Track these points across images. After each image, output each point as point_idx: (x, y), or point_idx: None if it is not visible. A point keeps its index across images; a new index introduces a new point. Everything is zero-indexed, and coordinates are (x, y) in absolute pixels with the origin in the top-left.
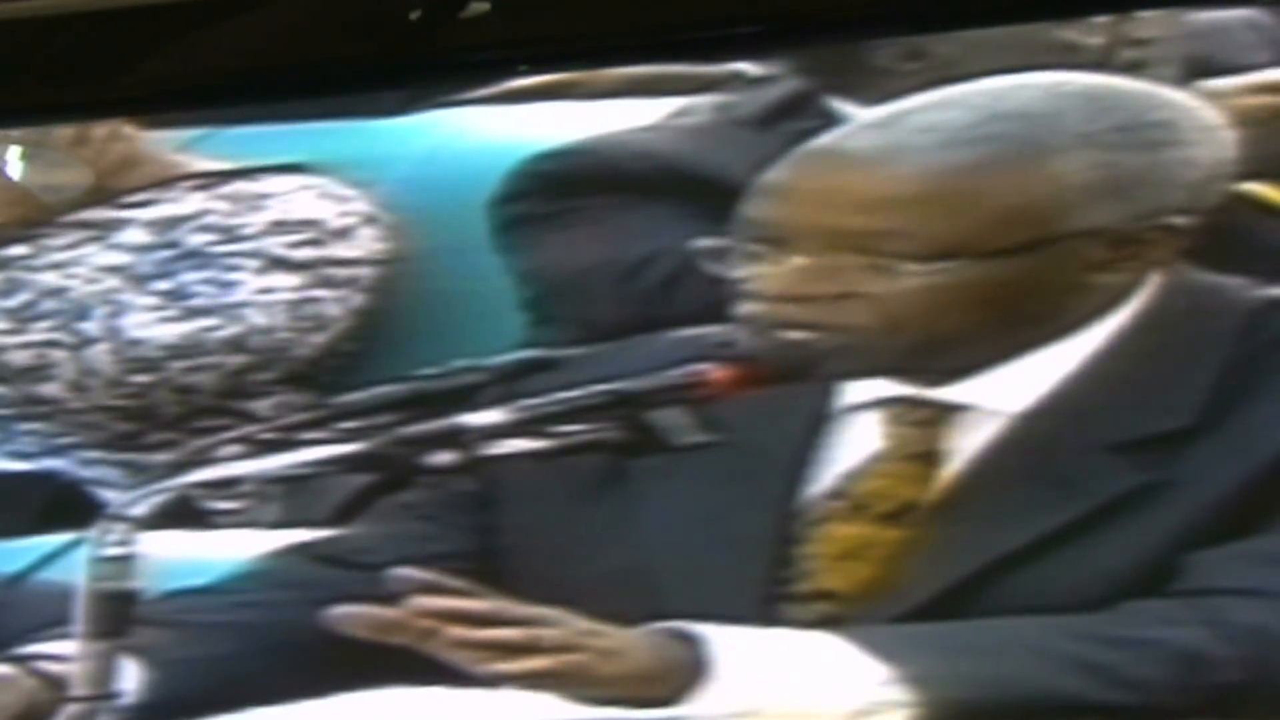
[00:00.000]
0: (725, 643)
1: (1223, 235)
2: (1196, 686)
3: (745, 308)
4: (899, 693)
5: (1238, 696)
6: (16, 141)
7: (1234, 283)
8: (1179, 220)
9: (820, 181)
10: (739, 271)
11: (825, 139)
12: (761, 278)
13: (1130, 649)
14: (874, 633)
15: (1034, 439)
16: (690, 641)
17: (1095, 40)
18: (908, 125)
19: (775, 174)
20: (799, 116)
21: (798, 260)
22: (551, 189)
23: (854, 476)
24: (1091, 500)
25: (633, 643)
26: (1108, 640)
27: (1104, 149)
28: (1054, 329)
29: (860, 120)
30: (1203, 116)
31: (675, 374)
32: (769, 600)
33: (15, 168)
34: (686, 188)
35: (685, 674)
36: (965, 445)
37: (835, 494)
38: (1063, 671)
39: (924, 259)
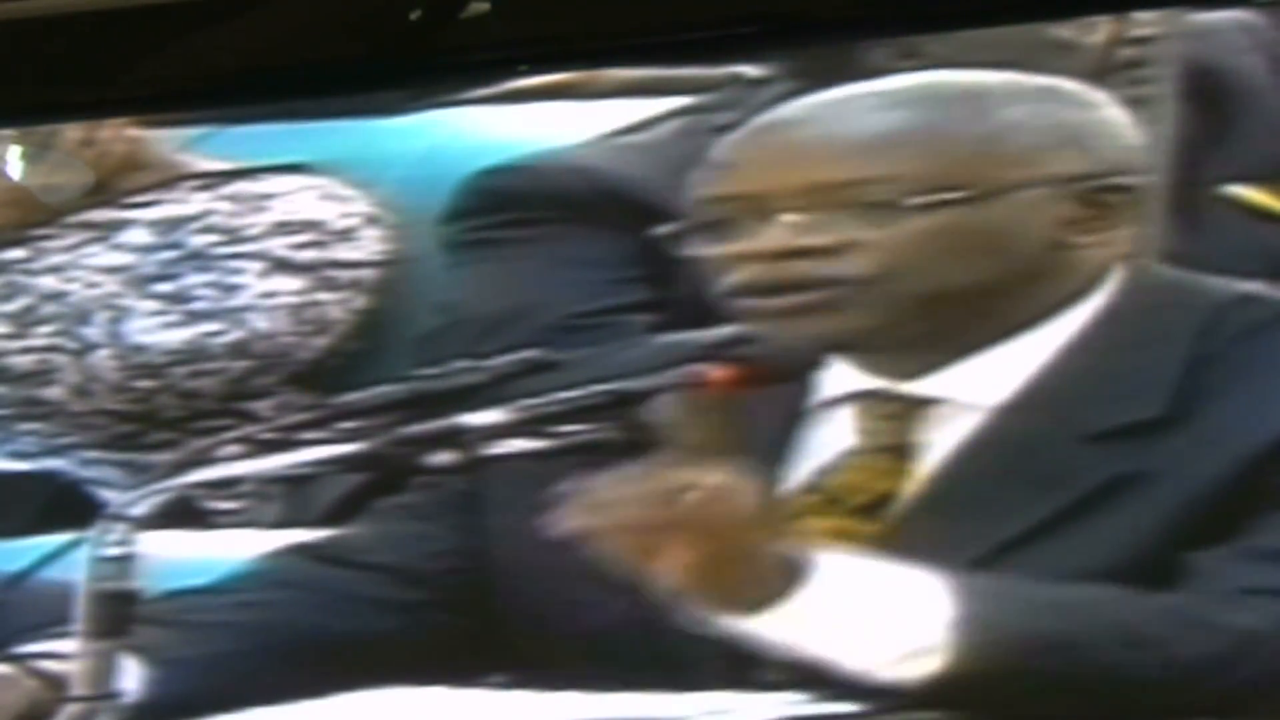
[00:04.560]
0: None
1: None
2: (1241, 674)
3: (739, 275)
4: (957, 635)
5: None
6: (18, 141)
7: (1197, 278)
8: (1132, 180)
9: (785, 144)
10: (715, 248)
11: (769, 115)
12: (749, 243)
13: (1184, 627)
14: (947, 574)
15: (1009, 432)
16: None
17: (1092, 39)
18: (839, 97)
19: (727, 150)
20: None
21: (787, 218)
22: (490, 210)
23: (828, 470)
24: (1070, 492)
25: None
26: (1162, 614)
27: (1038, 104)
28: (1042, 298)
29: (791, 105)
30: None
31: (674, 374)
32: None
33: (15, 168)
34: (628, 214)
35: (784, 578)
36: (939, 439)
37: (810, 488)
38: (1114, 641)
39: (918, 195)
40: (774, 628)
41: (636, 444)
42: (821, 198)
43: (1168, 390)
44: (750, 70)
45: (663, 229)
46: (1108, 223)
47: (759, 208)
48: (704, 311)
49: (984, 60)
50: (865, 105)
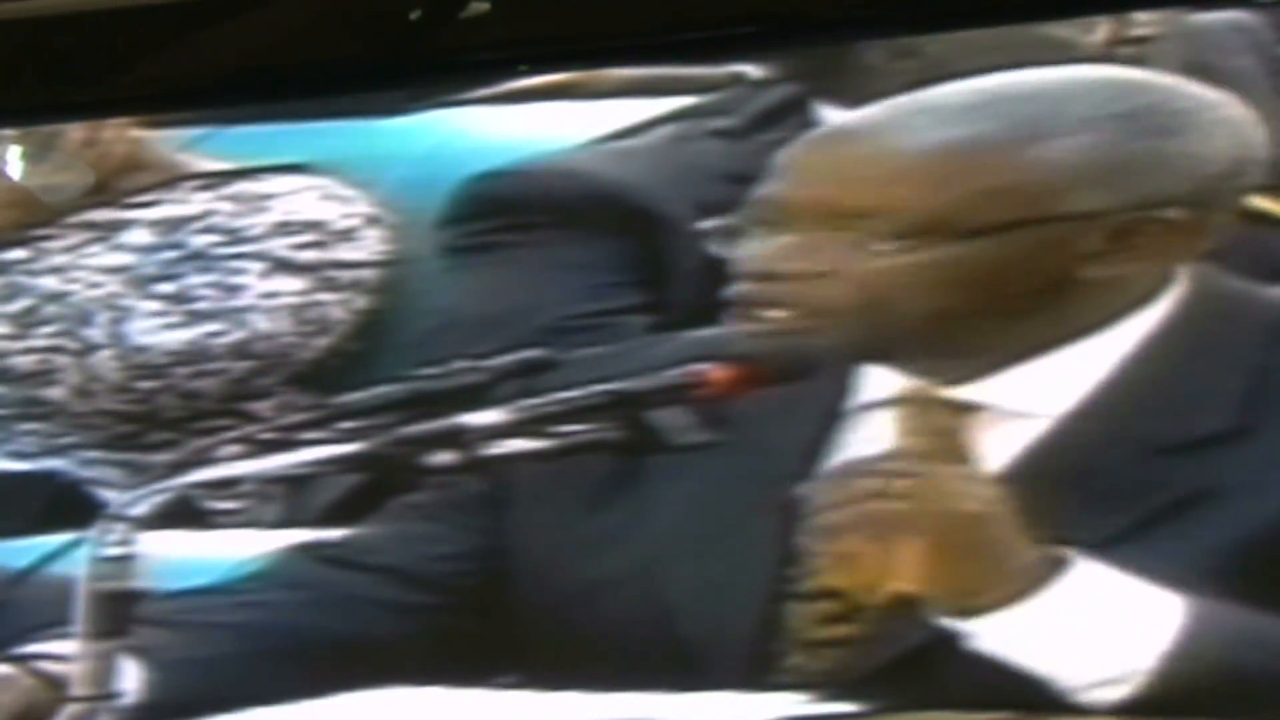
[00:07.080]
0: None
1: (1229, 239)
2: None
3: (734, 288)
4: (1164, 662)
5: None
6: (20, 141)
7: (1260, 288)
8: (1178, 214)
9: (822, 158)
10: (740, 251)
11: (836, 123)
12: (753, 256)
13: None
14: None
15: (1070, 442)
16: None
17: (1090, 40)
18: (911, 106)
19: (788, 152)
20: (782, 124)
21: (787, 238)
22: (484, 215)
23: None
24: (1143, 506)
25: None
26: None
27: (1105, 132)
28: (1055, 326)
29: (859, 112)
30: (1229, 114)
31: (675, 374)
32: (775, 599)
33: (16, 168)
34: (620, 218)
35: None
36: (990, 447)
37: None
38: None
39: (901, 236)
40: (999, 631)
41: (636, 443)
42: (823, 221)
43: (1235, 403)
44: (751, 70)
45: (711, 224)
46: (1140, 252)
47: (778, 219)
48: (700, 313)
49: (980, 59)
50: (925, 120)
